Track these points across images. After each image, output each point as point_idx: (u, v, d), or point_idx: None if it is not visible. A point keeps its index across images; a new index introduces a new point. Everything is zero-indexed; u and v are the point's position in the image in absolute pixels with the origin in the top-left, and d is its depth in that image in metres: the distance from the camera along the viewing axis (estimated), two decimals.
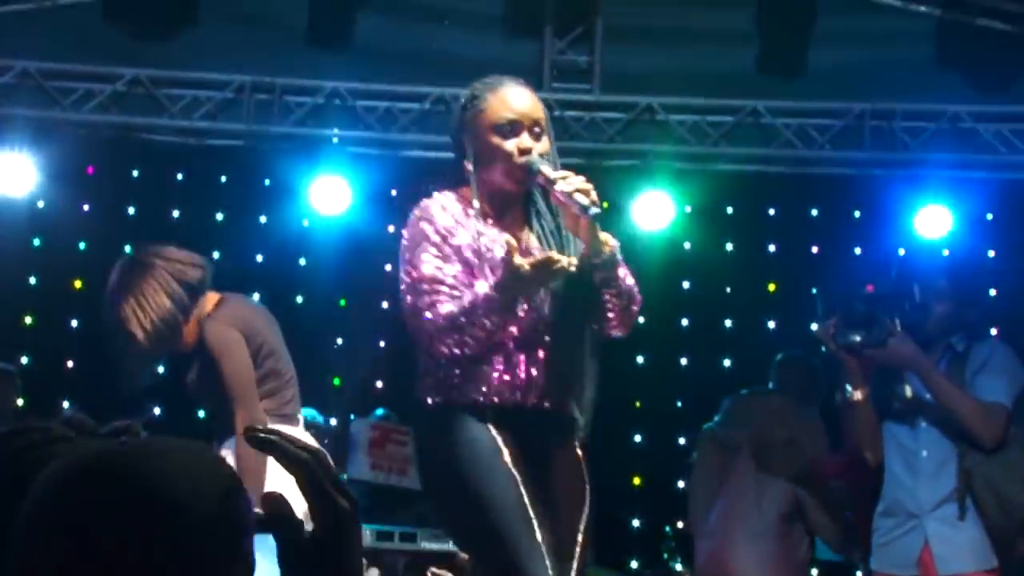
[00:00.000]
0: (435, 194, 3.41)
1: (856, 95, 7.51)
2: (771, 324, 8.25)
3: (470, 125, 3.39)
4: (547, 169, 3.27)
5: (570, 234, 3.32)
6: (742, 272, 8.15)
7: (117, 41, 7.07)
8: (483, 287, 3.18)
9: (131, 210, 7.84)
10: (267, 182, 7.65)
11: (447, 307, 3.18)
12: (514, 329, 3.26)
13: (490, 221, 3.33)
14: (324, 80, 7.38)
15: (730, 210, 8.16)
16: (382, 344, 7.86)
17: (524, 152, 3.31)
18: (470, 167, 3.33)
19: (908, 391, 4.69)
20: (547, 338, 3.30)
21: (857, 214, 8.09)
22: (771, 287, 8.07)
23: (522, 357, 3.29)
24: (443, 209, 3.36)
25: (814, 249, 8.22)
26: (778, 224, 8.22)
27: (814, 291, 7.52)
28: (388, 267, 7.53)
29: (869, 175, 7.55)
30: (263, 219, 8.06)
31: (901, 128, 7.47)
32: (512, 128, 3.32)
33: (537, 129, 3.34)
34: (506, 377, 3.27)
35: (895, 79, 7.35)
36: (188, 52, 7.17)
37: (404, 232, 3.38)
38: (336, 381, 7.60)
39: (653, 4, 7.46)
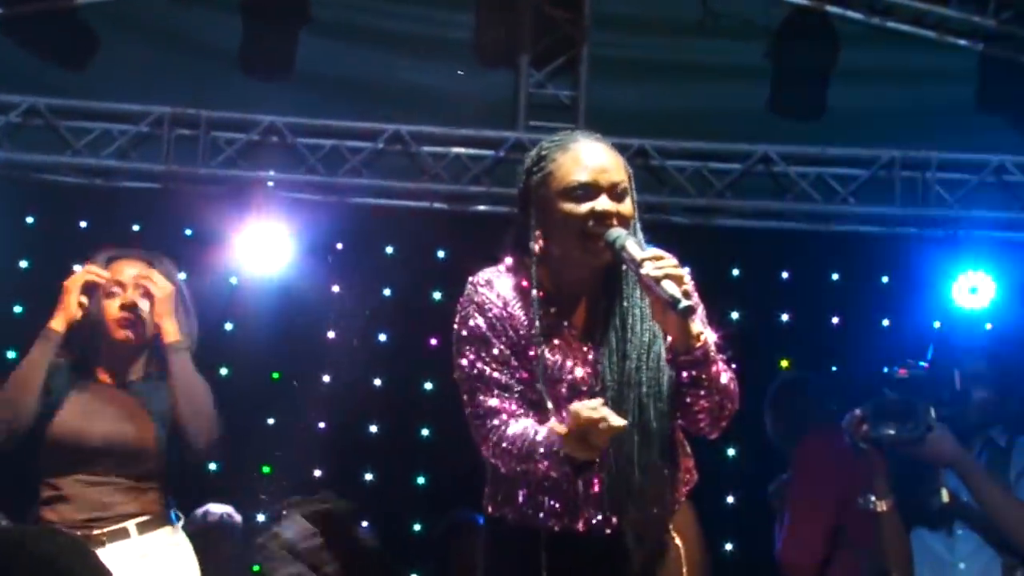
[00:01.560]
0: (489, 272, 3.42)
1: (884, 140, 7.64)
2: None
3: (536, 192, 3.36)
4: (632, 245, 3.22)
5: (658, 327, 3.28)
6: (748, 346, 7.94)
7: (10, 63, 7.12)
8: (538, 432, 3.21)
9: (23, 264, 7.68)
10: (188, 232, 7.57)
11: (503, 443, 3.26)
12: None
13: (553, 310, 3.33)
14: (259, 113, 7.48)
15: (736, 272, 8.11)
16: (322, 425, 7.81)
17: (601, 217, 3.27)
18: (536, 246, 3.30)
19: (945, 494, 4.74)
20: (623, 447, 3.30)
21: (885, 280, 8.06)
22: (783, 364, 7.98)
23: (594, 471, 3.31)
24: (496, 296, 3.36)
25: (834, 320, 8.16)
26: (792, 290, 8.19)
27: (834, 370, 7.82)
28: (331, 334, 7.76)
29: (899, 234, 7.66)
30: (183, 276, 7.84)
31: (937, 180, 7.59)
32: (586, 191, 3.29)
33: (621, 189, 3.32)
34: (569, 495, 3.33)
35: (930, 123, 7.48)
36: (96, 78, 7.23)
37: (458, 307, 3.43)
38: (266, 469, 7.55)
39: (648, 32, 7.58)
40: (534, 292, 3.26)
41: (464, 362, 3.33)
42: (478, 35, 7.53)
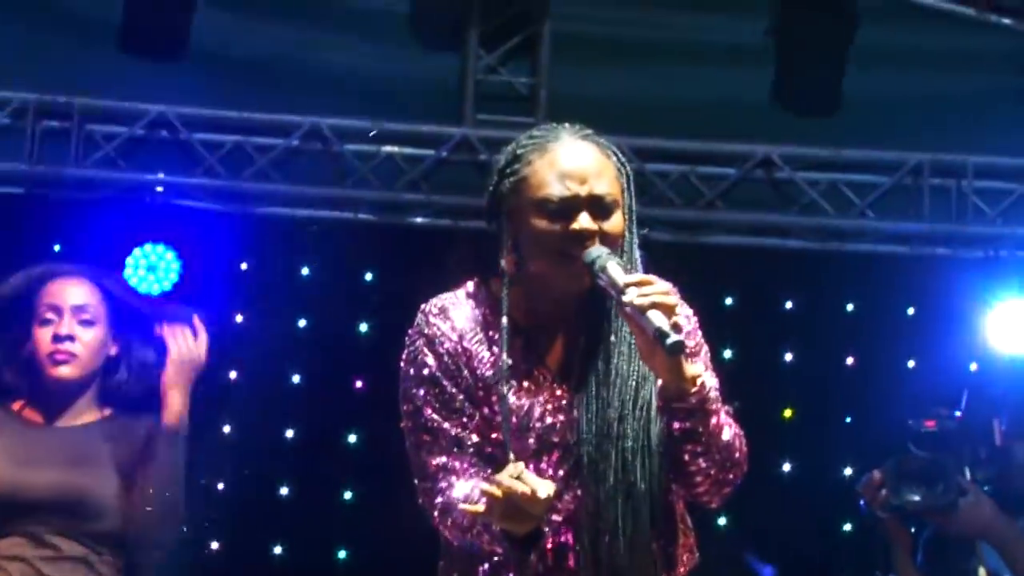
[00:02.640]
0: (445, 299, 3.41)
1: (911, 141, 7.66)
2: (785, 467, 8.15)
3: (508, 200, 3.34)
4: (614, 268, 3.21)
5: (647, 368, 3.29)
6: (744, 390, 7.95)
7: None
8: (466, 490, 3.27)
9: None
10: (57, 247, 7.41)
11: (438, 499, 3.32)
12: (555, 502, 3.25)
13: (522, 344, 3.35)
14: (145, 102, 7.43)
15: (729, 301, 8.06)
16: (220, 486, 7.72)
17: (579, 237, 3.26)
18: (507, 264, 3.32)
19: (982, 572, 4.74)
20: (603, 513, 3.29)
21: (911, 311, 8.04)
22: (786, 413, 8.00)
23: (567, 541, 3.34)
24: (451, 328, 3.35)
25: (848, 361, 8.14)
26: (798, 322, 8.16)
27: (848, 422, 7.87)
28: (233, 374, 7.76)
29: (928, 256, 7.67)
30: None
31: (974, 189, 7.61)
32: (563, 205, 3.28)
33: (608, 203, 3.30)
34: (539, 571, 3.32)
35: (966, 120, 7.51)
36: None
37: (406, 341, 3.43)
38: None
39: (623, 4, 7.66)
40: (503, 320, 3.28)
41: (409, 408, 3.36)
42: (416, 8, 7.51)
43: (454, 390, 3.34)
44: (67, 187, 7.41)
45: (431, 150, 7.65)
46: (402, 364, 3.39)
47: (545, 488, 3.03)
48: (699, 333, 3.38)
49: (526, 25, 7.58)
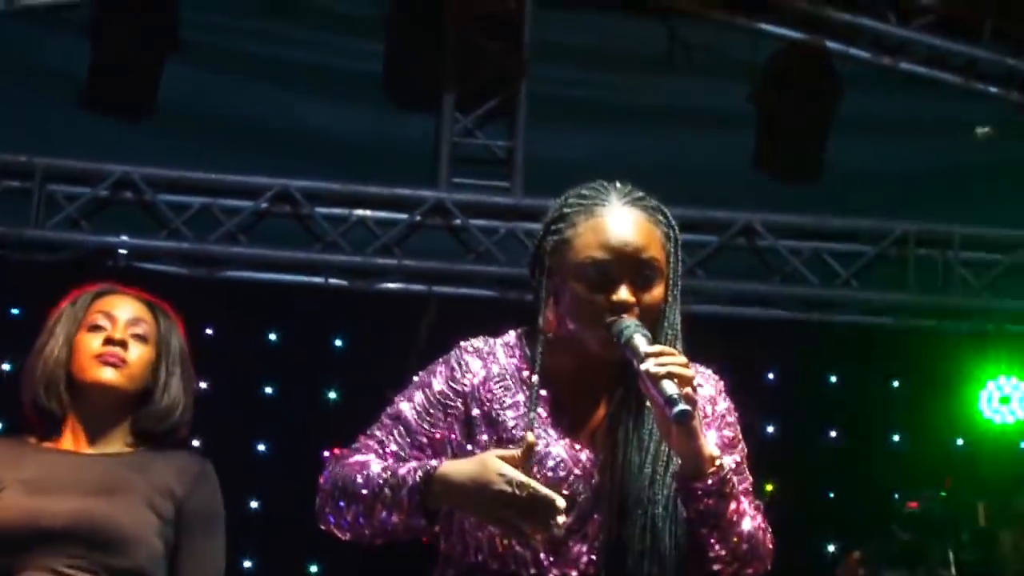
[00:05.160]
0: (482, 341, 3.41)
1: (896, 210, 7.70)
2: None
3: (552, 258, 3.31)
4: (639, 339, 3.16)
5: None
6: None
7: None
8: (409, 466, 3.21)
9: None
10: (15, 311, 7.44)
11: (348, 472, 3.23)
12: None
13: (548, 397, 3.32)
14: (109, 161, 7.45)
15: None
16: None
17: (618, 309, 3.22)
18: (544, 322, 3.31)
19: None
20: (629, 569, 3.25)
21: (895, 384, 8.02)
22: (767, 488, 7.68)
23: None
24: (482, 366, 3.36)
25: (832, 434, 8.13)
26: (780, 395, 8.10)
27: (830, 497, 7.73)
28: (196, 443, 7.09)
29: (914, 328, 7.71)
30: (6, 367, 7.73)
31: (961, 260, 7.68)
32: (604, 275, 3.25)
33: (649, 274, 3.27)
34: None
35: (952, 189, 7.55)
36: None
37: (435, 361, 3.43)
38: None
39: (602, 67, 7.67)
40: (534, 378, 3.26)
41: (396, 399, 3.34)
42: (390, 68, 7.52)
43: (440, 420, 3.30)
44: (26, 248, 7.40)
45: (405, 214, 7.67)
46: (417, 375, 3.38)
47: (561, 506, 3.03)
48: (728, 410, 3.33)
49: (503, 87, 7.63)
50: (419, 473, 3.14)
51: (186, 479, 4.30)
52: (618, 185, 3.37)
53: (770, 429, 8.10)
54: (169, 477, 4.32)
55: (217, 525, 4.34)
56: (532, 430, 3.17)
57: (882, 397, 8.00)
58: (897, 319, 7.75)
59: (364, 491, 3.20)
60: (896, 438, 7.98)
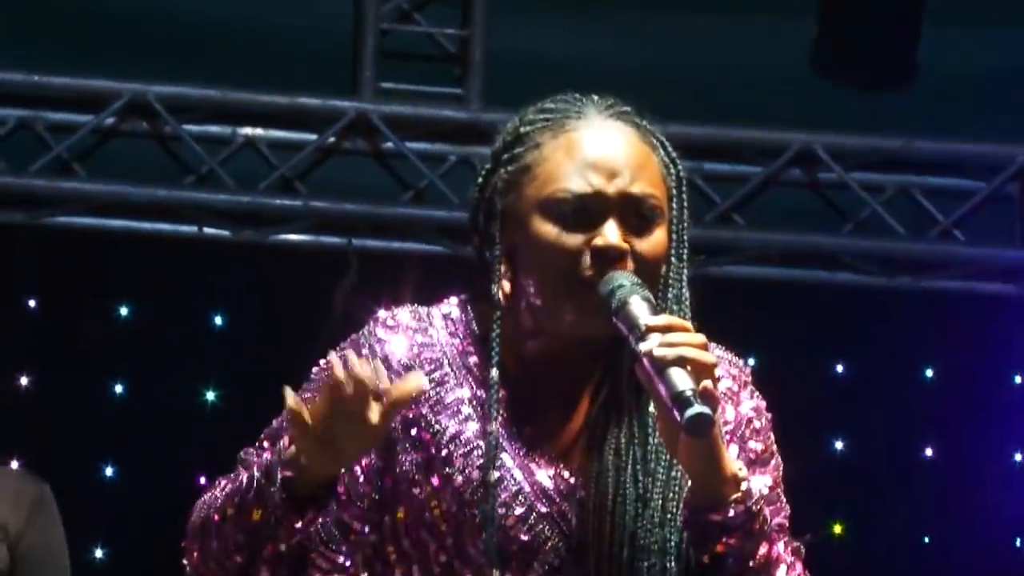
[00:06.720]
0: (407, 314, 3.09)
1: (1017, 131, 7.02)
2: None
3: (504, 197, 2.96)
4: (638, 305, 2.78)
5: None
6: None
7: None
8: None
9: None
10: None
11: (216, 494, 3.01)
12: None
13: (505, 398, 2.95)
14: None
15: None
16: None
17: (603, 256, 2.84)
18: (501, 291, 2.97)
19: None
20: None
21: (1018, 380, 7.47)
22: (835, 528, 7.38)
23: None
24: (404, 348, 3.03)
25: (927, 452, 7.56)
26: (852, 397, 7.54)
27: (926, 542, 7.66)
28: (15, 464, 7.44)
29: None
30: None
31: None
32: (584, 208, 2.88)
33: (646, 211, 2.90)
34: None
35: None
36: None
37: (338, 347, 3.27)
38: None
39: None
40: (493, 372, 2.92)
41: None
42: None
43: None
44: None
45: (312, 134, 6.89)
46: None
47: (416, 379, 2.83)
48: (757, 413, 2.89)
49: None
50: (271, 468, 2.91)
51: (20, 510, 4.47)
52: (595, 97, 3.07)
53: (838, 444, 7.61)
54: None
55: (59, 568, 4.51)
56: (494, 451, 2.93)
57: (1004, 398, 7.45)
58: (1018, 285, 7.02)
59: (216, 516, 3.03)
60: (1019, 456, 7.45)
